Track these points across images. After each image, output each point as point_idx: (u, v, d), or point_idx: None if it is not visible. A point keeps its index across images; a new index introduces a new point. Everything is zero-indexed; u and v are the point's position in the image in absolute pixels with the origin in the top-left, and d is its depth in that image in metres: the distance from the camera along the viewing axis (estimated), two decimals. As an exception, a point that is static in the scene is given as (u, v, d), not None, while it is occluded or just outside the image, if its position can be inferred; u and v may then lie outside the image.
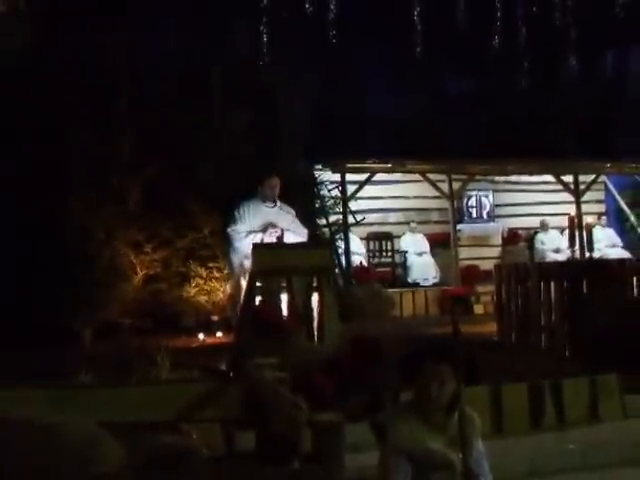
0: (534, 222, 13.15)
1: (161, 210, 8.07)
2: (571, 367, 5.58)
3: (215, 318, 8.09)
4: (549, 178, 13.05)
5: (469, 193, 13.03)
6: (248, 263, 6.36)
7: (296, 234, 6.74)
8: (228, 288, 7.79)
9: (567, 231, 9.77)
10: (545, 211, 13.33)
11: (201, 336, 7.62)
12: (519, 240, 13.22)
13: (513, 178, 13.44)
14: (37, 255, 7.30)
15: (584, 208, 12.55)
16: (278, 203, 6.91)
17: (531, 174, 13.20)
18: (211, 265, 8.27)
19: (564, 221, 11.17)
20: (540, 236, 12.88)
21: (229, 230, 6.82)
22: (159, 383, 4.61)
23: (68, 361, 5.51)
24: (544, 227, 12.97)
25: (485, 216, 13.25)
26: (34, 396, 3.48)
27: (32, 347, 6.08)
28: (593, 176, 13.05)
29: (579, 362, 5.70)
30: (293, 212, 6.97)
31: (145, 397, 3.88)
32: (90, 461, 2.57)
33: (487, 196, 13.25)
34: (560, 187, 12.89)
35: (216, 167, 8.37)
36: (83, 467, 2.53)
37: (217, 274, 8.24)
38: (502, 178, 13.38)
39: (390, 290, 10.25)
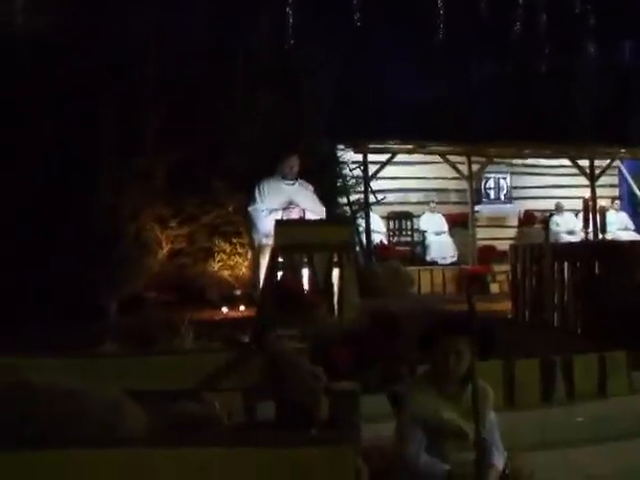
0: (550, 204, 13.20)
1: (186, 187, 8.18)
2: (582, 344, 5.67)
3: (238, 292, 8.22)
4: (565, 162, 13.06)
5: (487, 175, 13.12)
6: (267, 241, 6.52)
7: (315, 212, 6.88)
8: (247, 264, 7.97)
9: (581, 214, 9.82)
10: (560, 194, 13.37)
11: (224, 309, 7.74)
12: (535, 222, 13.27)
13: (530, 161, 13.48)
14: (65, 231, 7.41)
15: (598, 192, 12.55)
16: (298, 180, 7.03)
17: (548, 158, 13.25)
18: (235, 241, 8.41)
19: (579, 204, 11.21)
20: (555, 218, 12.93)
21: (250, 209, 6.96)
22: (183, 353, 4.64)
23: (94, 332, 5.66)
24: (559, 209, 13.01)
25: (502, 198, 13.35)
26: (59, 365, 3.52)
27: (59, 319, 6.27)
28: (608, 161, 13.07)
29: (590, 339, 5.79)
30: (312, 188, 7.09)
31: (169, 366, 3.90)
32: (113, 427, 2.61)
33: (505, 178, 13.34)
34: (575, 171, 12.90)
35: (240, 146, 8.47)
36: (107, 433, 2.58)
37: (240, 249, 8.37)
38: (519, 161, 13.43)
39: (409, 268, 10.40)
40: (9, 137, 7.45)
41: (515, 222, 13.37)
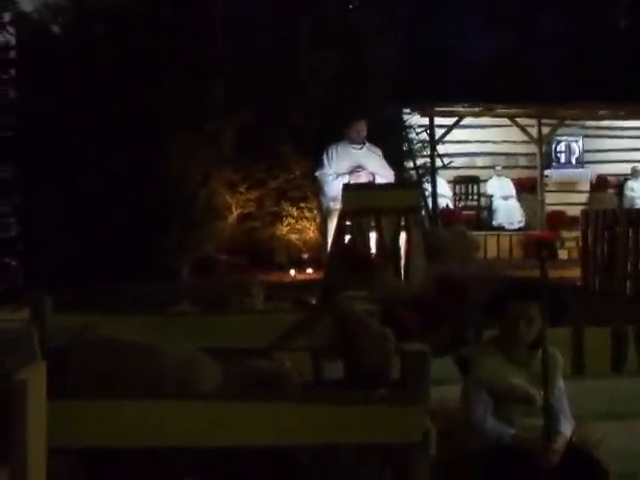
0: (625, 169, 12.84)
1: (254, 152, 8.29)
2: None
3: (305, 255, 8.36)
4: (643, 123, 12.67)
5: (558, 138, 12.79)
6: (335, 205, 6.58)
7: (383, 176, 6.89)
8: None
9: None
10: (637, 157, 12.96)
11: (292, 272, 7.90)
12: (608, 187, 12.97)
13: (605, 123, 13.07)
14: (139, 197, 7.60)
15: (680, 155, 12.19)
16: (366, 144, 7.04)
17: (624, 119, 12.83)
18: (302, 205, 8.53)
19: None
20: (630, 183, 12.58)
21: (317, 173, 7.02)
22: (254, 313, 4.80)
23: (169, 293, 5.84)
24: (635, 174, 12.64)
25: (574, 162, 13.03)
26: (139, 322, 3.65)
27: (135, 281, 6.49)
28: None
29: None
30: (380, 152, 7.08)
31: (241, 326, 3.99)
32: (190, 382, 2.70)
33: (577, 141, 12.98)
34: (656, 133, 12.51)
35: (307, 111, 8.53)
36: (184, 388, 2.67)
37: (308, 214, 8.50)
38: (593, 123, 13.04)
39: (475, 233, 10.37)
40: (85, 107, 7.65)
41: (586, 187, 13.04)
